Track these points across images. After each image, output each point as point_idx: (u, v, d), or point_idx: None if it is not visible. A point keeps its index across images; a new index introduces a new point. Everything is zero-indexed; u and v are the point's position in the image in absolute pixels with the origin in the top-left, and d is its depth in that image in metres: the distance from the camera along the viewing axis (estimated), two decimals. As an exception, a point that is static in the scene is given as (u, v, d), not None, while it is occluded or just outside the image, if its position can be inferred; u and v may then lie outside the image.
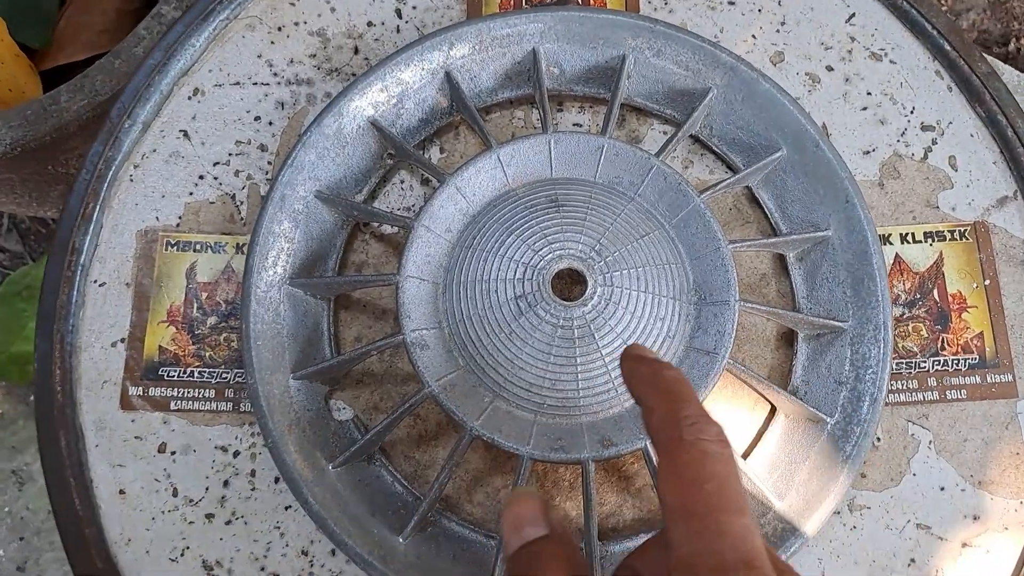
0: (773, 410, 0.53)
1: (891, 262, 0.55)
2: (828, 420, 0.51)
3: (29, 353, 1.27)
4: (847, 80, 0.58)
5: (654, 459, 0.47)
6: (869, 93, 0.58)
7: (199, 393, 0.53)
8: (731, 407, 0.53)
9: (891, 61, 0.58)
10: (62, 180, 0.86)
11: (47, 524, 1.22)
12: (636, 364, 0.38)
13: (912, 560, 0.51)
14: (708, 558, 0.30)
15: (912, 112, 0.57)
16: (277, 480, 0.52)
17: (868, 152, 0.57)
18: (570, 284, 0.52)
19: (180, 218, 0.56)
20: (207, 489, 0.52)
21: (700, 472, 0.32)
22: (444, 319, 0.50)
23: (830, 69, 0.58)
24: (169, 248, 0.55)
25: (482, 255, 0.50)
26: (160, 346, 0.54)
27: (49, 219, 1.27)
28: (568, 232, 0.49)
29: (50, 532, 1.22)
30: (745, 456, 0.52)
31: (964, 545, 0.51)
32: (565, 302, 0.48)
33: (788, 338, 0.54)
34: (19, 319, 1.30)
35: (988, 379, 0.53)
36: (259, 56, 0.58)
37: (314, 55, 0.58)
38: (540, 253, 0.49)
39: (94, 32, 0.91)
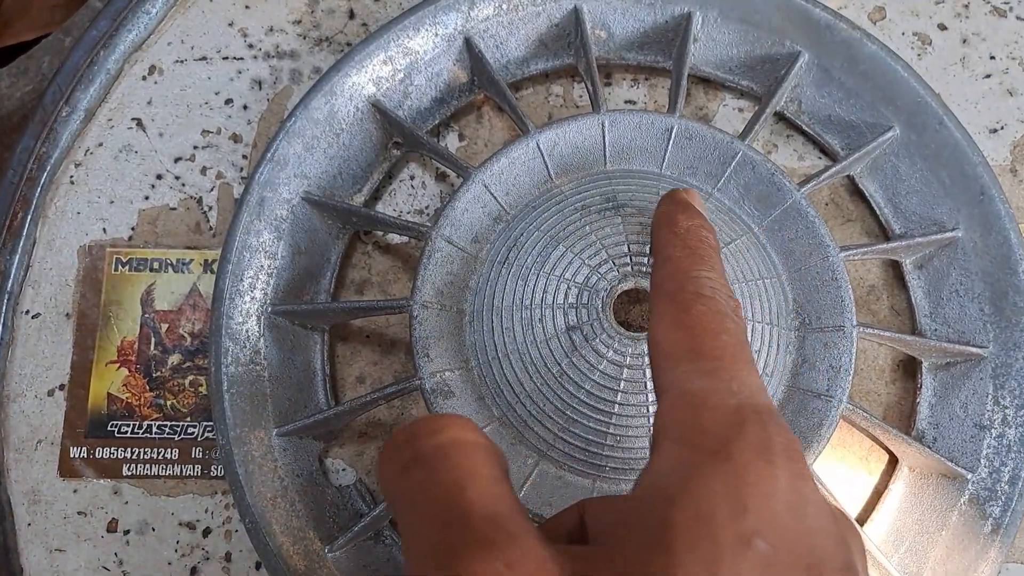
0: (893, 461, 0.42)
1: (1034, 270, 0.43)
2: (968, 476, 0.39)
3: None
4: (964, 41, 0.46)
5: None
6: (993, 57, 0.46)
7: (159, 454, 0.42)
8: (836, 458, 0.41)
9: (1018, 17, 0.47)
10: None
11: None
12: (675, 211, 0.33)
13: (1079, 654, 0.39)
14: (719, 396, 0.25)
15: (1046, 79, 0.46)
16: (258, 566, 0.41)
17: (995, 130, 0.45)
18: (635, 309, 0.41)
19: (133, 229, 0.44)
20: (171, 578, 0.40)
21: (717, 324, 0.27)
22: (473, 356, 0.38)
23: (943, 28, 0.46)
24: (119, 268, 0.44)
25: (521, 273, 0.38)
26: (109, 394, 0.42)
27: None
28: (632, 240, 0.38)
29: None
30: (861, 522, 0.41)
31: None
32: (632, 333, 0.37)
33: (907, 368, 0.43)
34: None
35: None
36: (230, 24, 0.47)
37: (299, 21, 0.47)
38: (598, 270, 0.37)
39: (46, 7, 0.79)
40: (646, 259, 0.37)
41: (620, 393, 0.37)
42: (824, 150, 0.45)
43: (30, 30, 0.77)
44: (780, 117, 0.45)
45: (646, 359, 0.37)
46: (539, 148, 0.40)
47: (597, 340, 0.37)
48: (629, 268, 0.37)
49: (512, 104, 0.42)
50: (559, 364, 0.37)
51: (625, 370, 0.37)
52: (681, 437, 0.24)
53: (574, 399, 0.37)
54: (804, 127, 0.45)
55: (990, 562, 0.38)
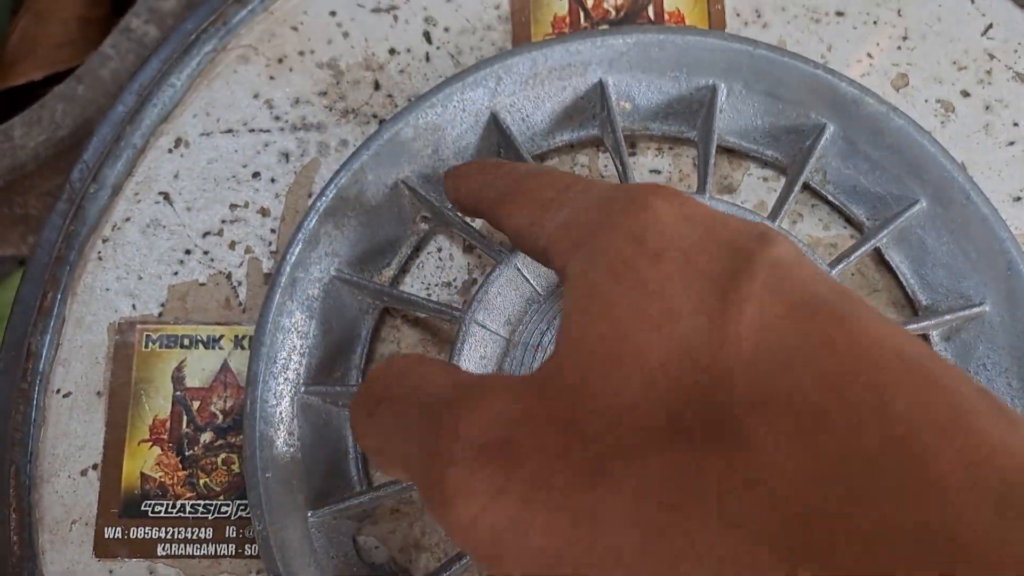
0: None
1: (1060, 342, 0.44)
2: None
3: None
4: (988, 108, 0.47)
5: None
6: (1016, 124, 0.46)
7: (193, 533, 0.42)
8: None
9: (1040, 82, 0.47)
10: (21, 221, 0.75)
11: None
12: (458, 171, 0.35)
13: None
14: (560, 218, 0.26)
15: (1069, 146, 0.46)
16: (297, 644, 0.41)
17: (1019, 198, 0.46)
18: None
19: (163, 305, 0.44)
20: (209, 659, 0.41)
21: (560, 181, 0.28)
22: (507, 440, 0.39)
23: (966, 95, 0.47)
24: (150, 345, 0.44)
25: (555, 359, 0.38)
26: (142, 473, 0.43)
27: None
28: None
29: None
30: None
31: None
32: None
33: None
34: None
35: None
36: (256, 96, 0.47)
37: (324, 93, 0.47)
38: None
39: (52, 46, 0.78)
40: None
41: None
42: (849, 219, 0.45)
43: (36, 70, 0.77)
44: (805, 187, 0.46)
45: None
46: (571, 231, 0.40)
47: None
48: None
49: (543, 184, 0.42)
50: (595, 451, 0.37)
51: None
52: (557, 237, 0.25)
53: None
54: (829, 197, 0.45)
55: None
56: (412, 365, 0.26)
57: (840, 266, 0.41)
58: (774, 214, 0.41)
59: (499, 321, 0.40)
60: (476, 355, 0.39)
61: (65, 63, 0.77)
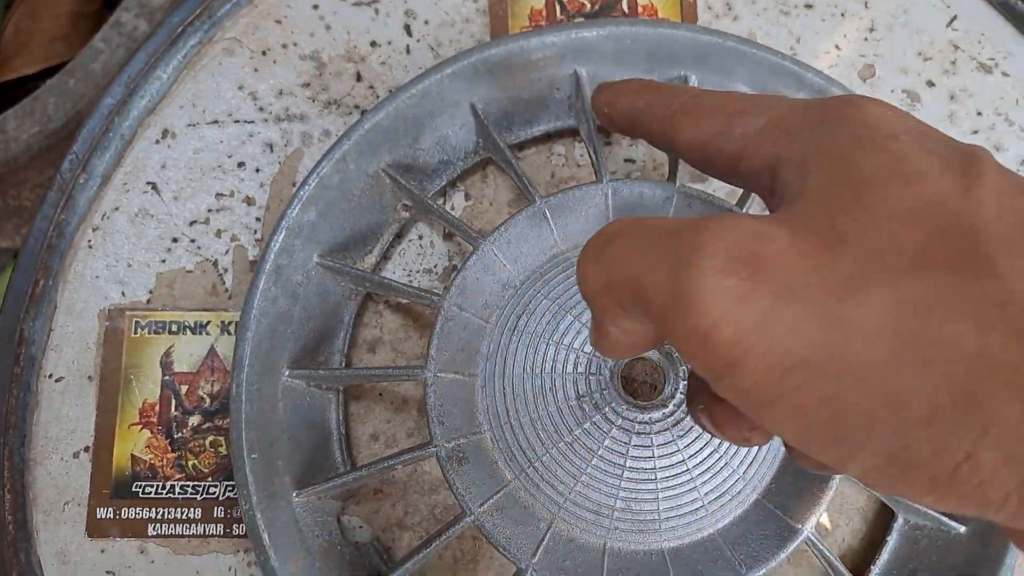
0: (891, 516, 0.44)
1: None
2: (958, 528, 0.41)
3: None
4: (952, 97, 0.48)
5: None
6: (980, 113, 0.48)
7: (182, 513, 0.43)
8: (836, 512, 0.43)
9: (1003, 73, 0.48)
10: (15, 213, 0.76)
11: None
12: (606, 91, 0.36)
13: None
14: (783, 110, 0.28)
15: (1031, 134, 0.47)
16: (284, 619, 0.42)
17: None
18: (642, 379, 0.42)
19: (151, 292, 0.46)
20: (198, 634, 0.42)
21: (721, 101, 0.30)
22: (486, 421, 0.40)
23: (931, 84, 0.48)
24: (139, 331, 0.45)
25: (532, 341, 0.40)
26: (133, 455, 0.44)
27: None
28: (638, 311, 0.39)
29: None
30: None
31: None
32: (640, 403, 0.39)
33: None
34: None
35: None
36: (240, 87, 0.48)
37: (307, 84, 0.48)
38: (605, 339, 0.39)
39: (45, 40, 0.79)
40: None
41: (628, 459, 0.38)
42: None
43: (30, 64, 0.78)
44: (776, 175, 0.47)
45: (653, 426, 0.38)
46: (546, 215, 0.42)
47: (606, 408, 0.38)
48: (635, 338, 0.39)
49: (516, 170, 0.43)
50: (571, 432, 0.39)
51: (633, 436, 0.38)
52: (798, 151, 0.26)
53: (586, 464, 0.39)
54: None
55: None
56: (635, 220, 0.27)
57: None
58: (741, 202, 0.43)
59: (477, 305, 0.41)
60: (455, 339, 0.41)
61: (58, 57, 0.78)
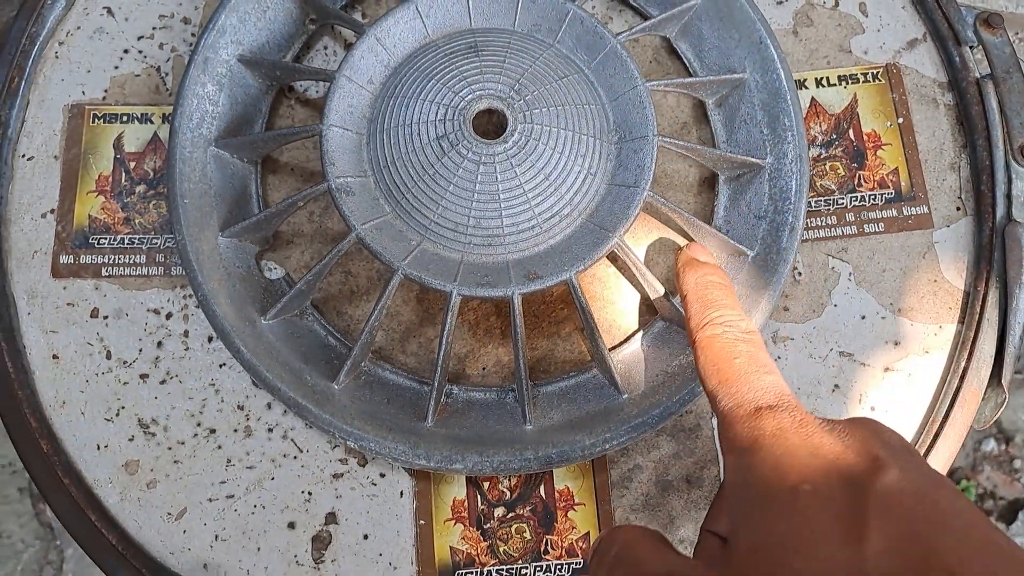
0: (698, 251, 0.54)
1: (807, 106, 0.56)
2: (749, 253, 0.52)
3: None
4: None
5: (581, 307, 0.48)
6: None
7: (130, 259, 0.54)
8: (656, 252, 0.54)
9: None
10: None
11: (1, 478, 1.21)
12: (684, 270, 0.46)
13: (836, 386, 0.52)
14: (743, 407, 0.36)
15: (825, -34, 0.58)
16: (211, 339, 0.53)
17: (781, 2, 0.58)
18: (494, 127, 0.53)
19: (106, 91, 0.56)
20: (140, 351, 0.52)
21: (731, 351, 0.39)
22: (369, 167, 0.51)
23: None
24: (96, 121, 0.56)
25: (403, 101, 0.50)
26: (90, 215, 0.54)
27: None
28: (488, 75, 0.50)
29: (4, 485, 1.22)
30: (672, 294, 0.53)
31: (886, 370, 0.52)
32: (486, 140, 0.49)
33: (710, 183, 0.55)
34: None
35: (904, 212, 0.54)
36: (179, -68, 0.59)
37: (234, -71, 0.58)
38: (460, 95, 0.50)
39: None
40: (496, 86, 0.50)
41: (477, 184, 0.49)
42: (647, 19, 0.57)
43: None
44: (615, -5, 0.58)
45: (497, 158, 0.49)
46: (418, 10, 0.52)
47: (460, 145, 0.49)
48: (483, 93, 0.50)
49: (399, -19, 0.54)
50: (433, 166, 0.49)
51: (481, 167, 0.49)
52: (729, 449, 0.35)
53: (445, 191, 0.49)
54: (632, 3, 0.57)
55: (762, 309, 0.50)
56: (632, 541, 0.36)
57: (622, 35, 0.53)
58: (576, -1, 0.54)
59: (363, 79, 0.52)
60: (345, 104, 0.51)
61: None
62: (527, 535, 0.51)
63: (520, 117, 0.50)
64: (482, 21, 0.53)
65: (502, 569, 0.50)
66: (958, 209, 0.54)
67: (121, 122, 0.56)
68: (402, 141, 0.50)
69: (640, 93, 0.51)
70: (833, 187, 0.55)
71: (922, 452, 0.51)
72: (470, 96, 0.50)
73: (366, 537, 0.50)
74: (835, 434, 0.33)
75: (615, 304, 0.54)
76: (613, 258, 0.54)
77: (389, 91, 0.51)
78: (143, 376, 0.52)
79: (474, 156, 0.49)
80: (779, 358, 0.52)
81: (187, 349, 0.52)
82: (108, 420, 0.51)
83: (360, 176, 0.50)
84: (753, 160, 0.53)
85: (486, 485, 0.51)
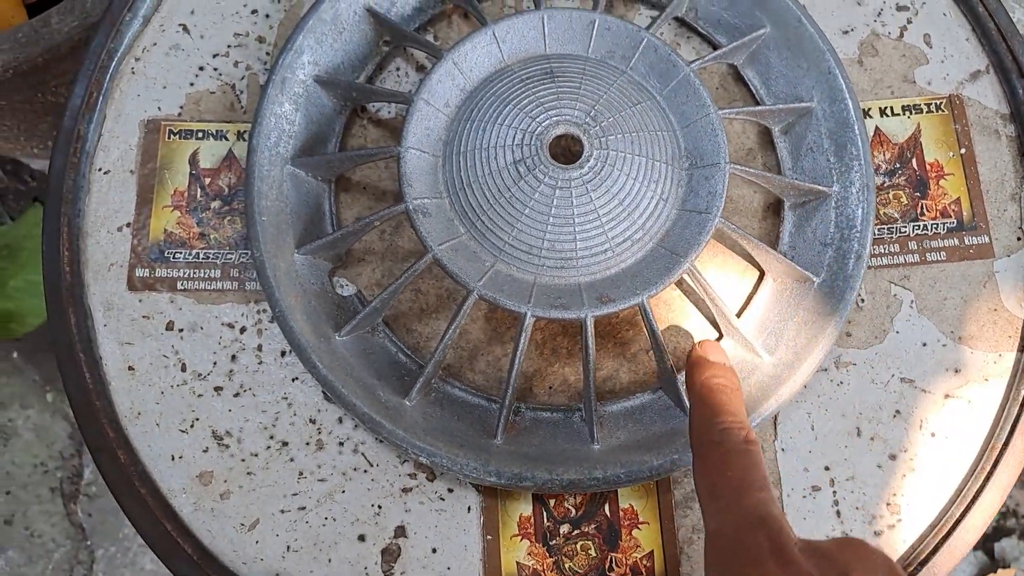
0: (761, 277, 0.55)
1: (872, 135, 0.57)
2: (815, 279, 0.53)
3: (10, 311, 1.27)
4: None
5: (651, 331, 0.49)
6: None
7: (205, 273, 0.55)
8: (722, 274, 0.55)
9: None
10: (52, 110, 0.87)
11: (33, 478, 1.23)
12: (694, 369, 0.47)
13: (897, 412, 0.53)
14: (729, 527, 0.36)
15: (888, -3, 0.59)
16: (283, 354, 0.53)
17: (847, 32, 0.59)
18: (568, 151, 0.54)
19: (181, 108, 0.57)
20: (215, 364, 0.53)
21: (725, 464, 0.39)
22: (445, 189, 0.52)
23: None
24: (172, 136, 0.57)
25: (480, 125, 0.51)
26: (165, 229, 0.55)
27: (31, 170, 1.27)
28: (564, 101, 0.51)
29: (36, 485, 1.23)
30: (737, 317, 0.54)
31: (947, 397, 0.53)
32: (563, 165, 0.50)
33: (775, 209, 0.56)
34: (0, 277, 1.31)
35: (966, 241, 0.55)
36: (254, -48, 0.60)
37: (308, -50, 0.60)
38: (537, 120, 0.51)
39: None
40: (573, 112, 0.51)
41: (553, 208, 0.50)
42: (716, 48, 0.58)
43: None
44: (682, 22, 0.59)
45: (573, 182, 0.50)
46: (495, 35, 0.53)
47: (537, 170, 0.50)
48: (560, 119, 0.51)
49: (474, 5, 0.55)
50: (509, 189, 0.50)
51: (557, 191, 0.50)
52: (711, 564, 0.36)
53: (520, 214, 0.50)
54: (701, 30, 0.58)
55: (828, 335, 0.51)
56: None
57: (695, 63, 0.54)
58: (649, 27, 0.55)
59: (440, 102, 0.53)
60: (423, 126, 0.52)
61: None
62: (592, 552, 0.52)
63: (596, 143, 0.50)
64: (556, 47, 0.54)
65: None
66: (1019, 239, 0.55)
67: (196, 138, 0.57)
68: (479, 164, 0.51)
69: (712, 121, 0.52)
70: (896, 215, 0.56)
71: (982, 478, 0.52)
72: (547, 122, 0.51)
73: (434, 551, 0.51)
74: (813, 559, 0.34)
75: (679, 326, 0.55)
76: (679, 281, 0.55)
77: (465, 114, 0.52)
78: (217, 389, 0.53)
79: (551, 180, 0.50)
80: (841, 383, 0.53)
81: (260, 363, 0.53)
82: (183, 431, 0.52)
83: (436, 198, 0.51)
84: (820, 188, 0.54)
85: (552, 502, 0.52)
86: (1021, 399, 0.53)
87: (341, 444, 0.52)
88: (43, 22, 0.76)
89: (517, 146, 0.50)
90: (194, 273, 0.55)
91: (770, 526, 0.35)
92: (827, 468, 0.52)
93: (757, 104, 0.58)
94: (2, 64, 0.76)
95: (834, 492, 0.52)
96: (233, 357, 0.53)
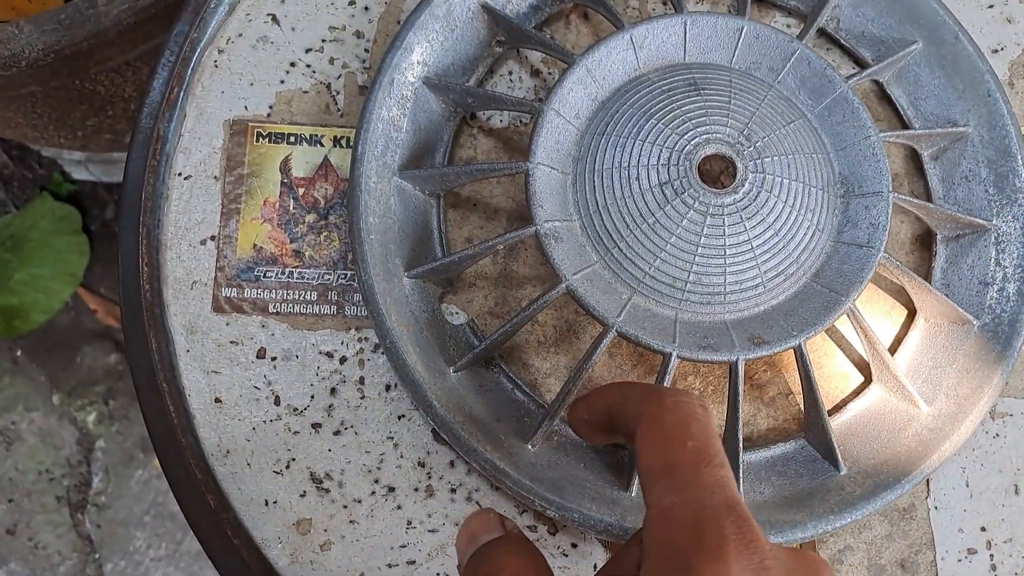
0: (911, 316, 0.50)
1: (1026, 162, 0.52)
2: (975, 322, 0.48)
3: (14, 307, 1.20)
4: (972, -25, 0.55)
5: (807, 376, 0.44)
6: (996, -10, 0.55)
7: (300, 295, 0.49)
8: (867, 312, 0.50)
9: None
10: (87, 99, 0.81)
11: (38, 485, 1.16)
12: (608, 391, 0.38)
13: (1059, 468, 0.48)
14: (689, 506, 0.30)
15: (1038, 12, 0.55)
16: (388, 388, 0.48)
17: (996, 51, 0.54)
18: (707, 174, 0.49)
19: (271, 108, 0.51)
20: (312, 397, 0.48)
21: (684, 432, 0.32)
22: (576, 211, 0.46)
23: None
24: (260, 140, 0.51)
25: (619, 141, 0.46)
26: (255, 245, 0.50)
27: (40, 156, 1.20)
28: (714, 117, 0.46)
29: (41, 494, 1.16)
30: (886, 361, 0.49)
31: (1111, 452, 0.49)
32: (715, 190, 0.45)
33: (923, 241, 0.52)
34: (3, 270, 1.24)
35: None
36: (352, -63, 0.54)
37: (412, -63, 0.54)
38: (685, 137, 0.45)
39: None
40: (724, 129, 0.45)
41: (703, 237, 0.45)
42: (858, 61, 0.54)
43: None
44: (822, 32, 0.54)
45: (726, 209, 0.45)
46: (632, 40, 0.48)
47: (685, 194, 0.45)
48: (710, 137, 0.45)
49: (607, 5, 0.50)
50: (653, 215, 0.45)
51: (708, 218, 0.45)
52: (660, 555, 0.30)
53: (665, 243, 0.45)
54: (842, 42, 0.53)
55: (995, 385, 0.47)
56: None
57: (853, 80, 0.49)
58: (802, 35, 0.50)
59: (571, 113, 0.48)
60: (552, 140, 0.47)
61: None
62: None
63: (751, 166, 0.45)
64: (697, 55, 0.49)
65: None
66: None
67: (288, 143, 0.51)
68: (617, 185, 0.46)
69: (873, 144, 0.47)
70: (1055, 252, 0.51)
71: None
72: (696, 139, 0.45)
73: (554, 612, 0.46)
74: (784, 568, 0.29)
75: (821, 369, 0.50)
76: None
77: (598, 128, 0.47)
78: (315, 426, 0.47)
79: (701, 207, 0.45)
80: (997, 436, 0.49)
81: (363, 398, 0.48)
82: (277, 473, 0.46)
83: (566, 220, 0.46)
84: (979, 221, 0.49)
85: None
86: None
87: (453, 491, 0.47)
88: (89, 3, 0.70)
89: (663, 166, 0.45)
90: (288, 295, 0.49)
91: (739, 515, 0.30)
92: (983, 529, 0.48)
93: (904, 125, 0.53)
94: (43, 47, 0.69)
95: (991, 556, 0.48)
96: (332, 391, 0.48)
